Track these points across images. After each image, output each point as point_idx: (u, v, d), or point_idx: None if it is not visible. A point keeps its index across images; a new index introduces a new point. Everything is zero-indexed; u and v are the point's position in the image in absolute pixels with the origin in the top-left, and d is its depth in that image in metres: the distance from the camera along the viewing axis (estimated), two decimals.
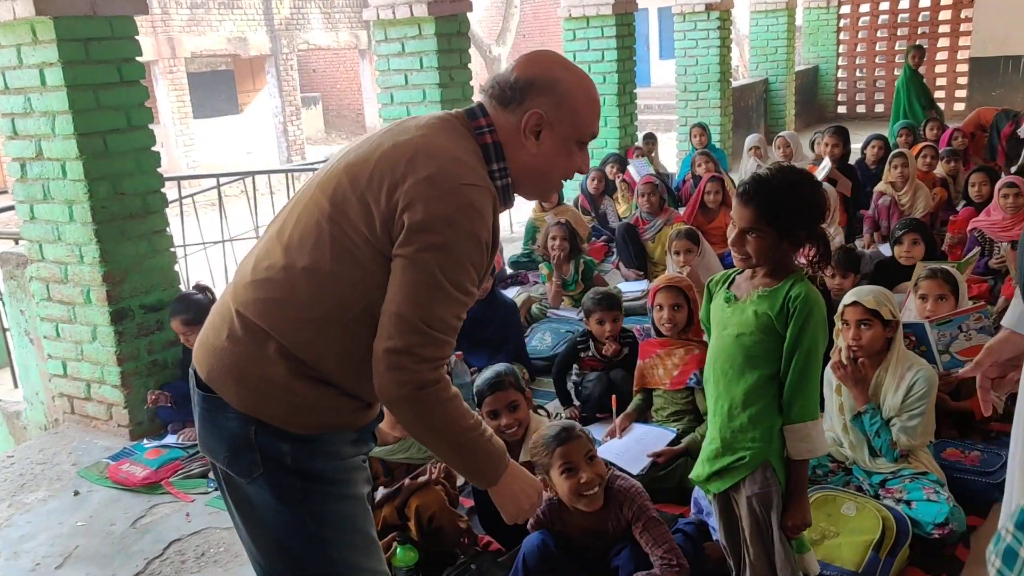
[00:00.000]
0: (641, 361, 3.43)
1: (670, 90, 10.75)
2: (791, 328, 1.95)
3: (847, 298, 2.84)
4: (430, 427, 1.59)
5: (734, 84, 10.29)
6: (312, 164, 10.08)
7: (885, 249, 5.02)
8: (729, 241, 2.08)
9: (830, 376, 2.91)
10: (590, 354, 3.86)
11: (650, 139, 7.95)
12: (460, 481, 3.16)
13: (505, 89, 1.69)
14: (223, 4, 16.82)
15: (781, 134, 6.93)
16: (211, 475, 2.12)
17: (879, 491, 2.76)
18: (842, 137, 6.11)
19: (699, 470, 2.18)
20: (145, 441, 3.82)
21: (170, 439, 3.80)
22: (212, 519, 3.19)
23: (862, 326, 2.75)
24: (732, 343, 2.04)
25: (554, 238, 4.97)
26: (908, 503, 2.65)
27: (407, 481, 2.77)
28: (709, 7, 9.20)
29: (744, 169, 7.55)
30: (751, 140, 7.57)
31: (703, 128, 7.94)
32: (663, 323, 3.31)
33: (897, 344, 2.78)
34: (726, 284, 2.14)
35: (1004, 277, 4.46)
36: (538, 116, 1.66)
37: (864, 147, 7.13)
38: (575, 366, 3.91)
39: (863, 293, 2.82)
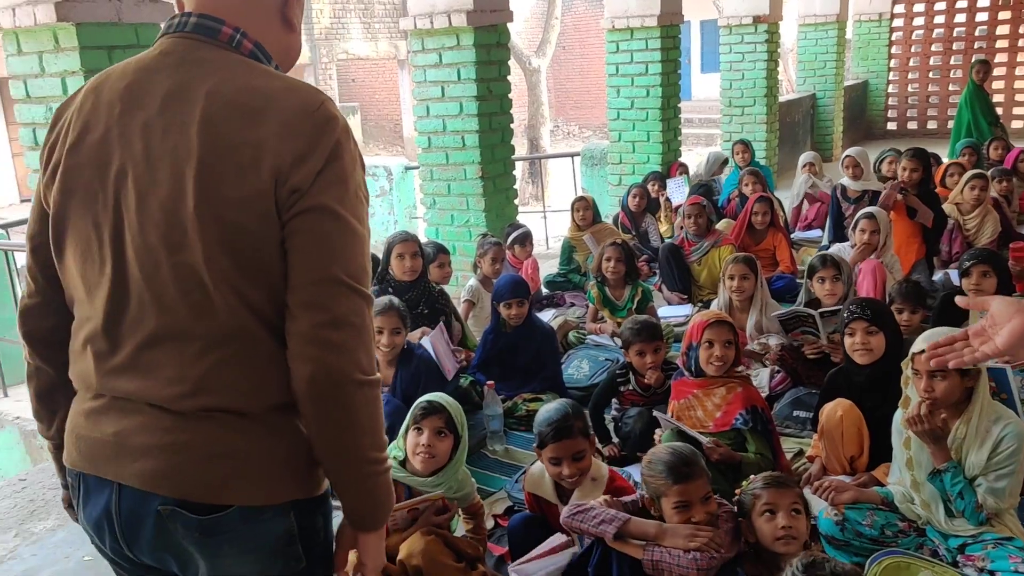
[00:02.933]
0: (674, 402, 3.17)
1: (711, 104, 10.51)
2: None
3: (916, 345, 2.54)
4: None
5: (780, 99, 9.97)
6: None
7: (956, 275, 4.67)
8: None
9: (899, 425, 2.63)
10: (630, 388, 3.61)
11: (681, 168, 7.67)
12: (489, 524, 2.93)
13: None
14: None
15: (849, 152, 6.32)
16: None
17: (957, 557, 2.47)
18: (922, 161, 5.31)
19: None
20: None
21: None
22: None
23: (936, 377, 2.46)
24: None
25: (608, 259, 4.70)
26: (992, 573, 2.36)
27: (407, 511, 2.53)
28: (757, 20, 8.91)
29: (796, 187, 7.24)
30: (806, 157, 7.24)
31: (746, 145, 7.63)
32: (712, 361, 3.02)
33: (981, 394, 2.49)
34: None
35: None
36: None
37: (879, 162, 6.77)
38: (614, 400, 3.67)
39: (934, 337, 2.53)
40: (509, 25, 5.71)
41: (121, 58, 3.53)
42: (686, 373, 3.15)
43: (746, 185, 6.32)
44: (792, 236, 6.55)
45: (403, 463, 2.66)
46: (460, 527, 2.81)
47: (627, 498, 2.44)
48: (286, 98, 1.31)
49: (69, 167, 1.35)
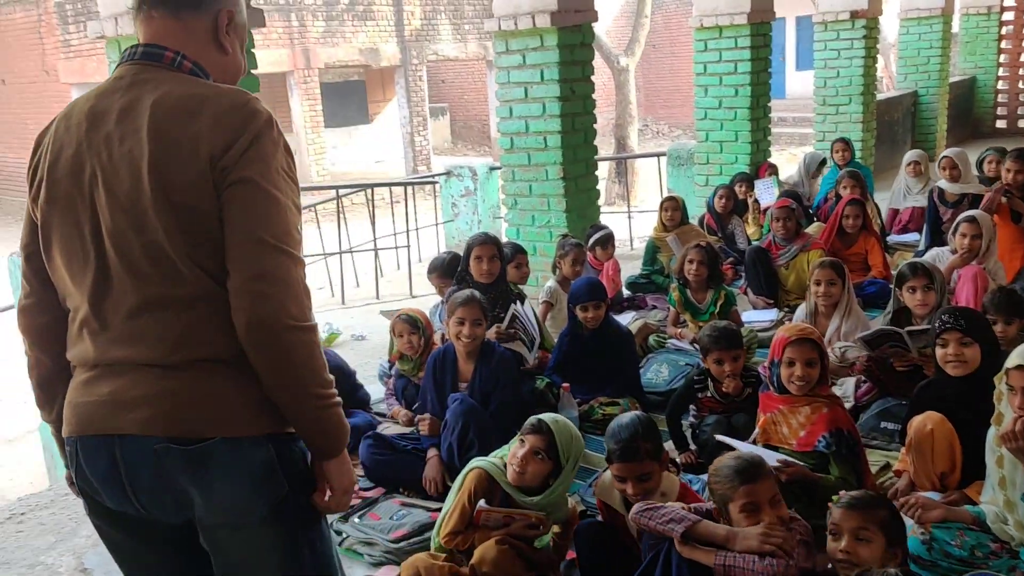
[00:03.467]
0: (763, 415, 3.06)
1: (806, 102, 10.18)
2: None
3: (1012, 359, 2.40)
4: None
5: (878, 97, 9.59)
6: (434, 176, 10.08)
7: None
8: None
9: (992, 443, 2.49)
10: (708, 395, 3.53)
11: (770, 169, 7.45)
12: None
13: None
14: (357, 16, 17.23)
15: (946, 153, 6.03)
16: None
17: None
18: None
19: None
20: None
21: None
22: None
23: None
24: None
25: (691, 261, 4.60)
26: None
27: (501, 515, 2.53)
28: (855, 15, 8.60)
29: (898, 186, 6.94)
30: (911, 156, 6.90)
31: (846, 143, 7.34)
32: (793, 381, 2.87)
33: None
34: None
35: None
36: (229, 13, 1.68)
37: (980, 162, 6.37)
38: (692, 407, 3.60)
39: None
40: (595, 24, 5.67)
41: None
42: (771, 387, 3.05)
43: (844, 188, 6.07)
44: (887, 240, 6.30)
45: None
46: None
47: (699, 505, 2.38)
48: (217, 99, 1.56)
49: (51, 181, 1.62)
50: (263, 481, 1.58)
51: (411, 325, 3.92)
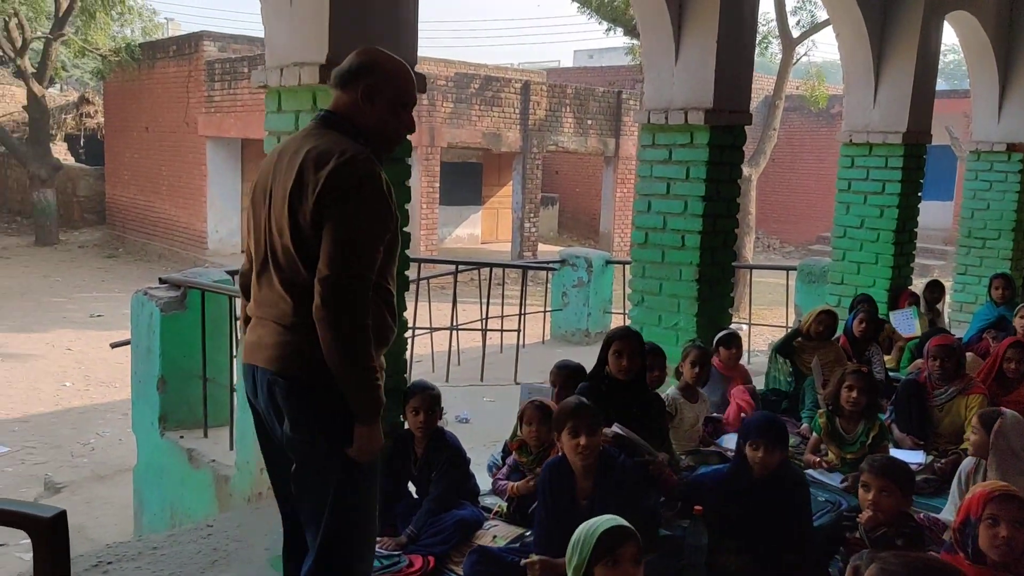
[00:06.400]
0: None
1: (930, 232, 9.69)
2: None
3: None
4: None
5: None
6: (549, 263, 9.95)
7: None
8: None
9: None
10: (856, 535, 3.11)
11: (936, 287, 6.97)
12: None
13: (343, 75, 2.43)
14: (485, 101, 17.64)
15: None
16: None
17: None
18: None
19: None
20: None
21: None
22: None
23: None
24: None
25: (850, 388, 4.13)
26: None
27: None
28: (1011, 148, 8.15)
29: None
30: None
31: (1007, 279, 6.77)
32: (997, 544, 2.45)
33: None
34: None
35: None
36: (369, 87, 2.39)
37: None
38: (841, 548, 3.17)
39: None
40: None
41: None
42: (960, 552, 2.60)
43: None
44: None
45: None
46: None
47: None
48: (331, 154, 2.27)
49: (252, 190, 2.49)
50: (320, 420, 2.31)
51: (542, 414, 3.62)
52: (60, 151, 22.69)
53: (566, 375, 4.06)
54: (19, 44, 18.97)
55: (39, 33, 19.87)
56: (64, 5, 18.53)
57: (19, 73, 19.55)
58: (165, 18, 34.80)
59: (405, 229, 3.81)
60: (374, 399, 2.27)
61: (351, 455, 2.29)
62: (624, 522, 2.35)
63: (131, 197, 20.24)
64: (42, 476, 6.51)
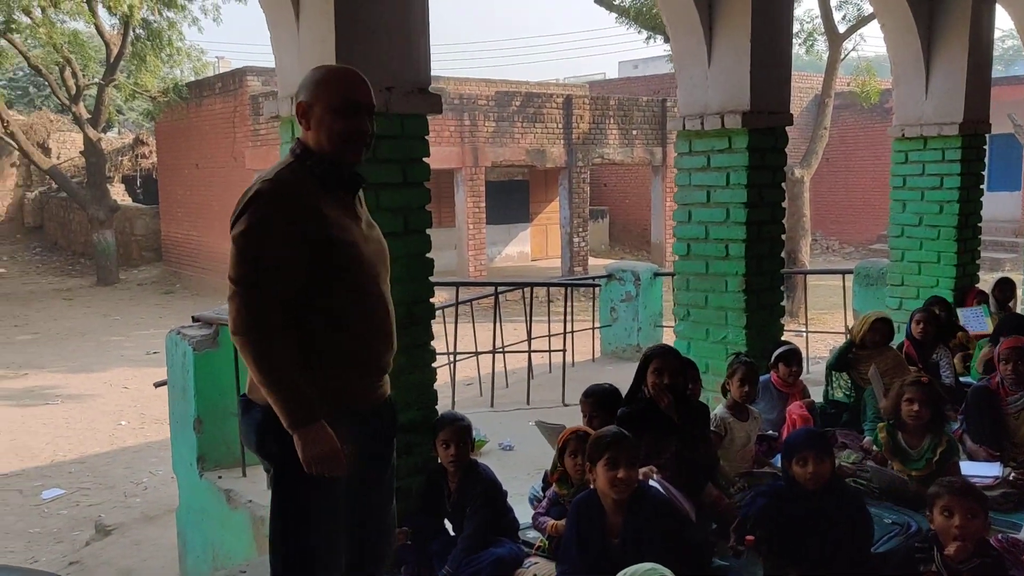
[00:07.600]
0: None
1: (999, 225, 9.22)
2: None
3: None
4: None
5: None
6: (594, 278, 9.74)
7: None
8: None
9: None
10: (933, 568, 2.83)
11: (1006, 285, 6.55)
12: None
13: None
14: (527, 118, 17.55)
15: None
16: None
17: None
18: None
19: None
20: None
21: None
22: None
23: None
24: None
25: (910, 400, 3.83)
26: None
27: None
28: None
29: None
30: None
31: None
32: None
33: None
34: None
35: None
36: (301, 106, 2.42)
37: None
38: None
39: None
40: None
41: (384, 149, 3.49)
42: None
43: None
44: None
45: None
46: None
47: None
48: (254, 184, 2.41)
49: None
50: (263, 432, 2.40)
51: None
52: (118, 192, 23.34)
53: (594, 402, 3.83)
54: (74, 91, 19.57)
55: (93, 79, 20.48)
56: (115, 50, 19.06)
57: (76, 120, 20.15)
58: (216, 56, 35.79)
59: (428, 255, 3.71)
60: (288, 404, 2.28)
61: (305, 467, 2.31)
62: (665, 571, 2.15)
63: (184, 233, 20.65)
64: (94, 518, 6.53)
